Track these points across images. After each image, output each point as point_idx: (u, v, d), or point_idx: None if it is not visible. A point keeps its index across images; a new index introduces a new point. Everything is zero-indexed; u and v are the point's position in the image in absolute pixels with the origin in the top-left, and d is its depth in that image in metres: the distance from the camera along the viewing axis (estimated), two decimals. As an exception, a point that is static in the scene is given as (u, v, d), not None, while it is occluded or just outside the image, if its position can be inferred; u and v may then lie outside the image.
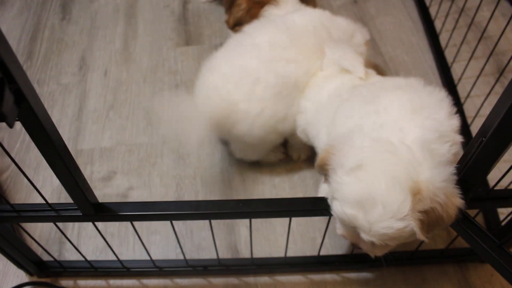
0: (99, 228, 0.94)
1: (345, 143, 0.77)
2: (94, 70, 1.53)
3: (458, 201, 0.72)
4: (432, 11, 1.63)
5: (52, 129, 0.63)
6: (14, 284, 1.09)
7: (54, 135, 0.64)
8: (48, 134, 0.62)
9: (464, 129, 1.29)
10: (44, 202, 0.83)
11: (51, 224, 0.96)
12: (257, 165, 1.27)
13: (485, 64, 1.28)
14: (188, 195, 1.22)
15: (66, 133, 1.37)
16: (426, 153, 0.72)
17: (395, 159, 0.72)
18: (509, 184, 1.03)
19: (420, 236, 0.71)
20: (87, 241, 1.16)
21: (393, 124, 0.77)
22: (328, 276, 1.09)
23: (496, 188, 0.82)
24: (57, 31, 1.68)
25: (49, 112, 0.60)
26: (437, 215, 0.70)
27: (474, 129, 1.30)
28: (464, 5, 1.39)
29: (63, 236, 1.01)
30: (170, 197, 1.22)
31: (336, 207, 0.76)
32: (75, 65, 1.55)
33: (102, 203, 0.83)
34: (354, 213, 0.72)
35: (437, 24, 1.59)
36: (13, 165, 1.30)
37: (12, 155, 1.32)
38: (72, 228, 1.18)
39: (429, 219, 0.70)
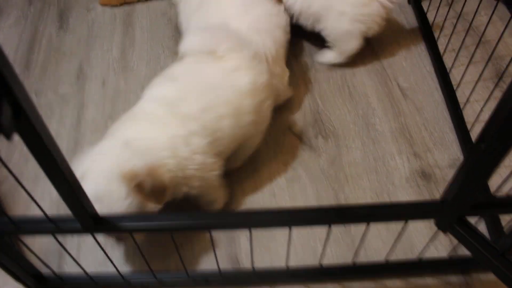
0: (99, 240, 0.93)
1: None
2: (91, 80, 1.52)
3: (161, 173, 0.96)
4: (430, 16, 1.62)
5: (50, 141, 0.63)
6: (13, 298, 1.08)
7: (53, 148, 0.64)
8: (46, 147, 0.62)
9: (464, 134, 1.29)
10: (43, 214, 0.82)
11: (50, 236, 0.95)
12: (256, 175, 1.26)
13: (483, 69, 1.28)
14: (188, 207, 1.21)
15: (64, 144, 1.36)
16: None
17: (108, 157, 0.96)
18: (510, 190, 1.03)
19: (146, 204, 0.94)
20: (87, 253, 1.15)
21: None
22: (330, 286, 1.08)
23: (498, 193, 0.82)
24: (54, 40, 1.67)
25: (47, 123, 0.60)
26: (151, 187, 0.94)
27: (474, 134, 1.30)
28: (462, 9, 1.39)
29: (62, 249, 1.00)
30: (170, 206, 1.21)
31: None
32: (73, 75, 1.55)
33: (101, 215, 0.82)
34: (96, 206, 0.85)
35: (435, 29, 1.59)
36: (11, 176, 1.29)
37: (10, 166, 1.31)
38: (71, 240, 1.17)
39: (147, 189, 0.93)
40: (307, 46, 1.59)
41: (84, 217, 0.80)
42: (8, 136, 0.51)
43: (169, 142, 1.00)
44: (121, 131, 1.04)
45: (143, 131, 1.02)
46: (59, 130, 1.40)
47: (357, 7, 1.40)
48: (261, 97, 1.12)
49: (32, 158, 1.29)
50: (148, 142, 0.99)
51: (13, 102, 0.52)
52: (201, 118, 1.04)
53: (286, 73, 1.35)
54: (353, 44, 1.47)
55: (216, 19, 1.25)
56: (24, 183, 0.70)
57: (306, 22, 1.48)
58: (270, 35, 1.24)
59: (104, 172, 0.94)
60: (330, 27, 1.45)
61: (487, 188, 1.17)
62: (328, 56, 1.52)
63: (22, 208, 1.24)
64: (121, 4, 1.77)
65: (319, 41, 1.54)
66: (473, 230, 0.81)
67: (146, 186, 0.94)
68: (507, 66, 1.20)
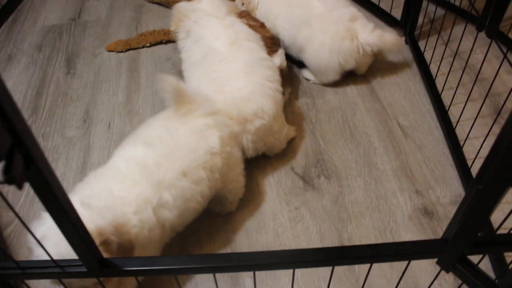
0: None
1: None
2: (97, 123, 1.56)
3: (127, 231, 0.96)
4: (427, 55, 1.67)
5: (58, 188, 0.65)
6: None
7: (60, 194, 0.65)
8: (55, 194, 0.64)
9: (465, 171, 1.31)
10: (48, 257, 0.83)
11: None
12: (260, 215, 1.27)
13: (481, 106, 1.30)
14: (192, 246, 1.22)
15: (70, 186, 1.38)
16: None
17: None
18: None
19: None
20: (91, 295, 1.15)
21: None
22: (336, 326, 1.07)
23: (501, 228, 0.82)
24: (62, 85, 1.72)
25: (54, 165, 0.62)
26: (117, 245, 0.93)
27: (475, 170, 1.31)
28: (457, 48, 1.43)
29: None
30: (174, 249, 1.22)
31: None
32: (79, 119, 1.58)
33: (107, 258, 0.83)
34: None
35: (433, 68, 1.62)
36: (17, 219, 1.30)
37: (16, 209, 1.33)
38: (76, 283, 1.17)
39: (114, 247, 0.92)
40: (308, 87, 1.63)
41: (90, 260, 0.81)
42: (20, 186, 0.53)
43: (136, 200, 1.00)
44: (86, 189, 1.04)
45: (111, 188, 1.01)
46: (66, 172, 1.42)
47: (336, 40, 1.50)
48: (228, 148, 1.15)
49: (38, 201, 1.30)
50: (114, 199, 0.99)
51: (25, 153, 0.55)
52: (176, 185, 1.04)
53: (285, 128, 1.39)
54: (330, 77, 1.58)
55: (219, 77, 1.31)
56: (30, 225, 0.71)
57: (292, 52, 1.62)
58: (271, 97, 1.30)
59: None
60: (311, 57, 1.56)
61: (489, 225, 1.17)
62: (310, 76, 1.63)
63: (27, 250, 1.25)
64: (127, 50, 1.83)
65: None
66: (475, 269, 0.81)
67: (113, 244, 0.92)
68: (505, 102, 1.22)
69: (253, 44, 1.39)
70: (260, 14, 1.64)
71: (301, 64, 1.66)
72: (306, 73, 1.65)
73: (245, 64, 1.31)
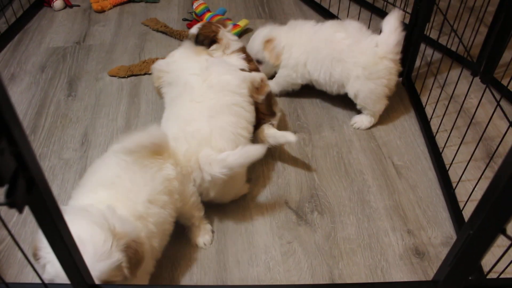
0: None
1: None
2: (95, 147, 1.57)
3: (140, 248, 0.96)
4: (423, 97, 1.70)
5: (57, 214, 0.65)
6: None
7: (59, 220, 0.66)
8: (53, 219, 0.64)
9: (457, 213, 1.32)
10: (39, 280, 0.82)
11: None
12: (252, 248, 1.27)
13: (474, 150, 1.33)
14: (183, 277, 1.22)
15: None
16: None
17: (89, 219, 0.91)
18: (504, 269, 1.03)
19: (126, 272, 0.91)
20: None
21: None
22: None
23: (492, 272, 0.83)
24: (62, 107, 1.74)
25: (48, 186, 0.63)
26: (134, 252, 0.93)
27: (467, 213, 1.32)
28: (453, 92, 1.47)
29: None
30: (165, 277, 1.22)
31: None
32: (77, 141, 1.59)
33: (98, 285, 0.83)
34: None
35: (428, 110, 1.66)
36: (7, 239, 1.29)
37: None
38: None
39: (130, 254, 0.92)
40: (305, 123, 1.65)
41: (82, 286, 0.81)
42: (21, 210, 0.54)
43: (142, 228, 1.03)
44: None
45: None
46: (60, 194, 1.42)
47: (369, 67, 1.54)
48: (179, 170, 1.20)
49: (30, 221, 1.30)
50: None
51: (28, 178, 0.56)
52: (148, 215, 1.06)
53: (243, 179, 1.39)
54: (381, 103, 1.61)
55: (184, 115, 1.32)
56: (21, 245, 0.71)
57: (331, 89, 1.65)
58: (233, 141, 1.28)
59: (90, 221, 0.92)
60: (354, 91, 1.59)
61: (480, 268, 1.18)
62: (364, 122, 1.64)
63: (16, 271, 1.24)
64: (129, 76, 1.86)
65: (316, 118, 1.61)
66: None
67: (131, 249, 0.93)
68: (497, 147, 1.24)
69: (230, 82, 1.37)
70: (289, 63, 1.67)
71: (302, 100, 1.68)
72: (361, 122, 1.65)
73: (210, 108, 1.30)
